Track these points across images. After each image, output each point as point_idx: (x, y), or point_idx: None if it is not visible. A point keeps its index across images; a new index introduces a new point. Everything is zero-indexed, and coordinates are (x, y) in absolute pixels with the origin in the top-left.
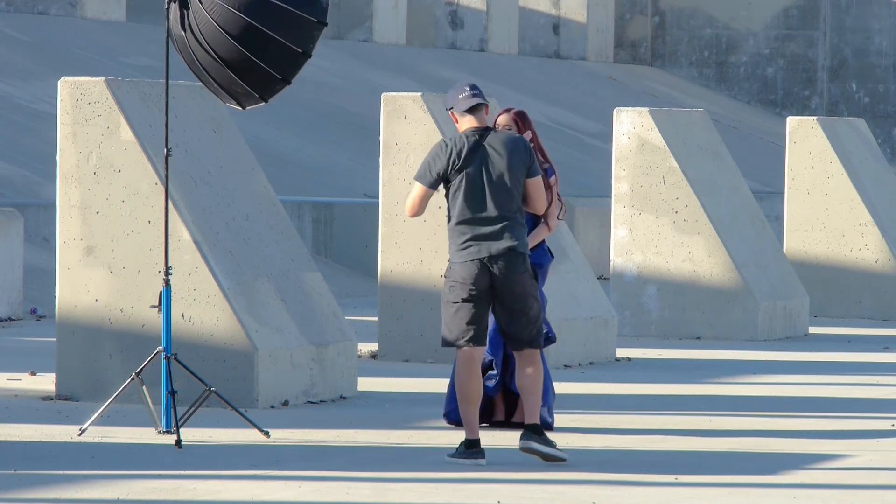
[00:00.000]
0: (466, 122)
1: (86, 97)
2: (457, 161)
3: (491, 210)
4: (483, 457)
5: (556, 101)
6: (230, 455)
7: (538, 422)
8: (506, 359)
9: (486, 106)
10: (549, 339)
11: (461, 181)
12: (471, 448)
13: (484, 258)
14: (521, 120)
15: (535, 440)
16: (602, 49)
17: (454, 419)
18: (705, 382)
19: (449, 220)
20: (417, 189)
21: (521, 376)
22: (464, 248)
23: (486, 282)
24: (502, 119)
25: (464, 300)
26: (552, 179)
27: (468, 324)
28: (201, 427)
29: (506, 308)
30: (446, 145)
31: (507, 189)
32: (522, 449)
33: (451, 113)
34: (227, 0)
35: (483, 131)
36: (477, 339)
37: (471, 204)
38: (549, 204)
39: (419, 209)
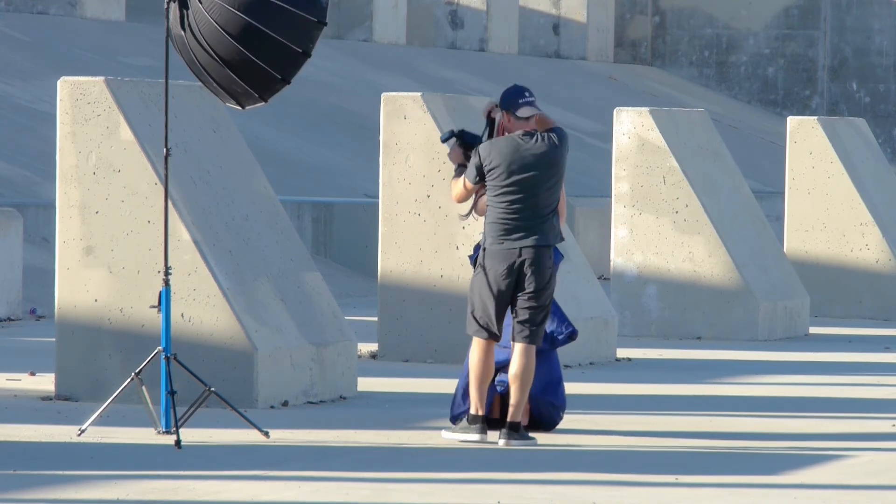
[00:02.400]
0: (519, 126)
1: (85, 97)
2: (498, 160)
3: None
4: (486, 433)
5: (556, 101)
6: (230, 455)
7: (518, 420)
8: None
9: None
10: (572, 335)
11: (504, 178)
12: (475, 423)
13: (516, 251)
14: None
15: (513, 437)
16: (602, 49)
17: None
18: (705, 382)
19: (488, 216)
20: (460, 182)
21: (510, 369)
22: (500, 243)
23: (514, 276)
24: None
25: (487, 296)
26: None
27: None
28: (201, 427)
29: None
30: (487, 147)
31: (549, 187)
32: (504, 446)
33: (506, 113)
34: (226, 0)
35: (532, 133)
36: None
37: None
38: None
39: (463, 198)
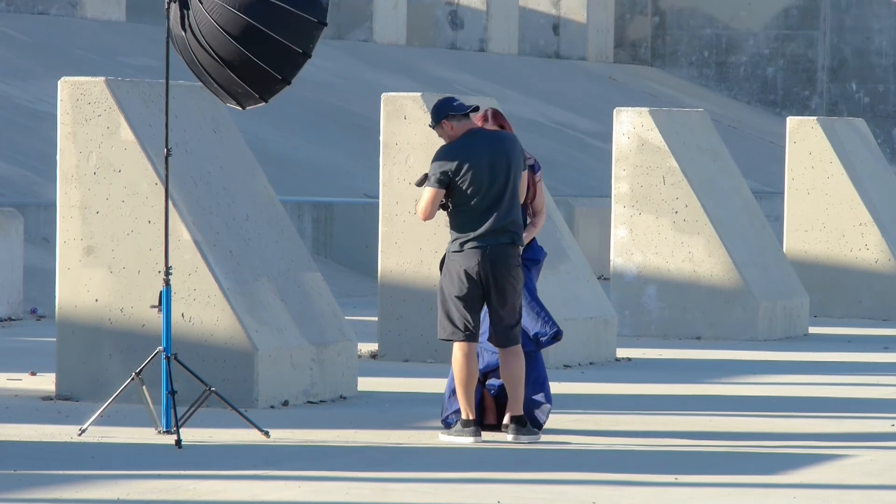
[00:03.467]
0: (463, 127)
1: (86, 97)
2: (458, 161)
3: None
4: (479, 434)
5: (556, 101)
6: (230, 455)
7: (521, 413)
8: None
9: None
10: (557, 336)
11: (466, 178)
12: (468, 426)
13: (486, 251)
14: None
15: (521, 433)
16: (602, 49)
17: (452, 424)
18: (705, 382)
19: (453, 217)
20: (425, 198)
21: (501, 370)
22: (466, 242)
23: (485, 276)
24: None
25: (461, 296)
26: (538, 175)
27: (468, 319)
28: (201, 427)
29: (494, 301)
30: (445, 151)
31: (510, 185)
32: (514, 441)
33: (446, 122)
34: (227, 0)
35: (481, 130)
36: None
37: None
38: (534, 199)
39: (431, 213)
